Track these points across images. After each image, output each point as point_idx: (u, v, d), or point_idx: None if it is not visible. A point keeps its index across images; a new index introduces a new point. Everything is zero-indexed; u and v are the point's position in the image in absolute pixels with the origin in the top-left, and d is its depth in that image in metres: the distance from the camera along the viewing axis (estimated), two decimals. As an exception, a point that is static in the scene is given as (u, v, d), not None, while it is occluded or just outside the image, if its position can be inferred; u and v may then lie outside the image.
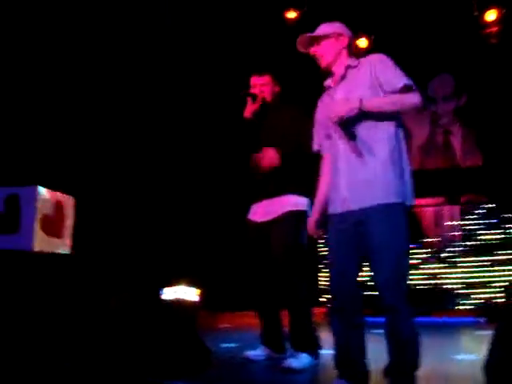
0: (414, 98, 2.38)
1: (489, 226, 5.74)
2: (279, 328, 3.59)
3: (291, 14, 7.74)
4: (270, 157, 3.40)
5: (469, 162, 8.15)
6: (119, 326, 3.07)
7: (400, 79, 2.39)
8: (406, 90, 2.38)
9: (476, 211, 5.81)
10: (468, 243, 5.71)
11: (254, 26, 7.36)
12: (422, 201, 6.51)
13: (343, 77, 2.55)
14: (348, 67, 2.54)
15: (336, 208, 2.49)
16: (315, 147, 2.74)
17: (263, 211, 3.53)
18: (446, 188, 7.33)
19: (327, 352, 3.64)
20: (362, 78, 2.47)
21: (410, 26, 7.35)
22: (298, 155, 3.40)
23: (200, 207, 7.37)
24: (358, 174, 2.41)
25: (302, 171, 3.45)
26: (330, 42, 2.56)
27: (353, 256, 2.44)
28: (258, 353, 3.55)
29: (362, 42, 7.76)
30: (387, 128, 2.43)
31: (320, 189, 2.70)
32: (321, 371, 3.22)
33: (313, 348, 3.31)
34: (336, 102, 2.47)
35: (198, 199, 7.40)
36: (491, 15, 7.52)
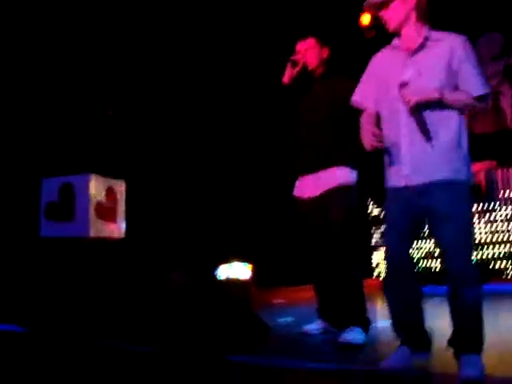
0: (485, 105, 2.43)
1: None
2: (336, 301, 3.51)
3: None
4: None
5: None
6: (180, 305, 3.13)
7: (481, 88, 2.34)
8: (482, 98, 2.35)
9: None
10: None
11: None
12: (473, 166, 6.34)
13: (419, 48, 2.43)
14: (426, 39, 2.43)
15: (395, 182, 2.46)
16: (357, 97, 2.66)
17: (312, 186, 3.39)
18: (496, 152, 7.11)
19: (381, 325, 3.65)
20: (439, 61, 2.37)
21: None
22: (344, 126, 3.25)
23: (249, 184, 7.38)
24: (423, 151, 2.37)
25: (348, 143, 3.26)
26: (396, 3, 2.47)
27: (410, 227, 2.44)
28: (314, 327, 3.54)
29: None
30: (452, 109, 2.37)
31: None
32: (377, 343, 3.20)
33: (366, 322, 3.24)
34: (415, 90, 2.35)
35: (247, 176, 7.41)
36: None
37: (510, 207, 5.94)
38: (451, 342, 2.35)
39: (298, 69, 3.40)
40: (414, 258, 2.58)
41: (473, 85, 2.34)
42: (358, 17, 7.43)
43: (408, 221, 2.44)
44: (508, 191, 6.03)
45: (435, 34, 2.44)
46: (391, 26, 2.47)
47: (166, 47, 6.97)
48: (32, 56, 6.01)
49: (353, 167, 3.37)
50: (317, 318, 3.59)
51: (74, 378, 2.58)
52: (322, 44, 3.45)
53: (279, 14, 7.12)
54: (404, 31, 2.46)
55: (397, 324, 2.51)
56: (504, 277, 5.62)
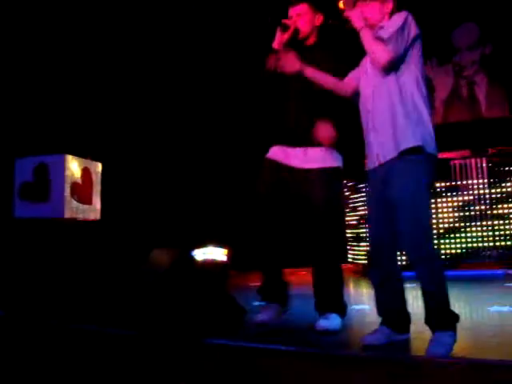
0: (383, 52, 2.44)
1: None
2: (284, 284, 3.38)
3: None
4: (326, 130, 3.03)
5: (495, 113, 7.99)
6: (158, 286, 3.13)
7: (385, 35, 2.45)
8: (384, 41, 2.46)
9: (504, 162, 5.71)
10: (497, 195, 5.65)
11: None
12: (447, 154, 6.44)
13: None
14: (380, 28, 2.56)
15: (369, 164, 2.58)
16: (348, 76, 2.85)
17: (301, 158, 3.17)
18: (471, 141, 7.22)
19: (358, 307, 3.71)
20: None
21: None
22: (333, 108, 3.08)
23: (226, 167, 7.36)
24: (381, 123, 2.51)
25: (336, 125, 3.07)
26: (375, 4, 2.57)
27: (387, 211, 2.49)
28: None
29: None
30: (399, 80, 2.48)
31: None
32: (355, 327, 3.24)
33: (343, 308, 3.18)
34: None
35: (223, 160, 7.40)
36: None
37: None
38: (426, 320, 2.43)
39: (288, 34, 3.21)
40: (395, 242, 2.60)
41: (385, 29, 2.50)
42: None
43: (381, 204, 2.52)
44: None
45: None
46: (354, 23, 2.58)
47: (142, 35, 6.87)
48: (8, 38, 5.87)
49: (339, 150, 3.22)
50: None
51: (51, 361, 2.57)
52: (315, 10, 3.27)
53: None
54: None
55: (378, 306, 2.63)
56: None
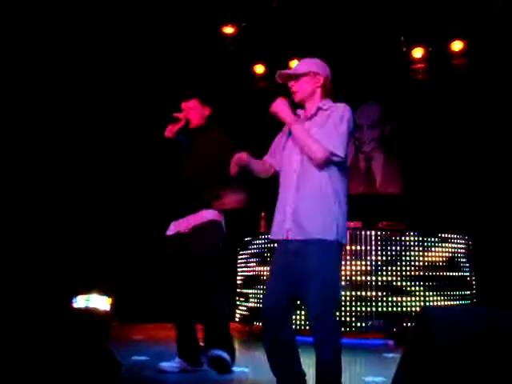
0: (319, 153, 2.53)
1: (404, 252, 5.93)
2: (195, 340, 3.64)
3: (228, 30, 7.75)
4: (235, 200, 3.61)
5: (389, 189, 8.46)
6: (25, 330, 2.90)
7: (330, 142, 2.53)
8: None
9: (393, 236, 5.98)
10: (382, 267, 5.87)
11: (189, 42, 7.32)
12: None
13: (312, 116, 2.67)
14: (319, 109, 2.66)
15: (276, 234, 2.66)
16: (267, 156, 2.86)
17: (183, 224, 3.71)
18: (364, 213, 7.54)
19: (241, 369, 3.65)
20: (324, 122, 2.60)
21: (343, 52, 7.57)
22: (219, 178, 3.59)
23: (117, 216, 7.20)
24: (299, 206, 2.56)
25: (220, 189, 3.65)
26: (306, 79, 2.66)
27: (290, 280, 2.55)
28: (172, 365, 3.53)
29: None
30: (329, 171, 2.57)
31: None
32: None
33: (231, 348, 3.42)
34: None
35: (116, 208, 7.24)
36: (418, 53, 7.94)
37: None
38: None
39: (180, 125, 3.78)
40: (290, 308, 2.64)
41: (327, 136, 2.55)
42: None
43: (285, 273, 2.57)
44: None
45: (327, 104, 2.68)
46: (296, 98, 2.72)
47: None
48: None
49: (221, 211, 3.69)
50: (176, 356, 3.61)
51: None
52: (203, 103, 3.87)
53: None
54: (308, 105, 2.72)
55: (272, 366, 2.60)
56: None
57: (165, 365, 3.55)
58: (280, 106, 2.65)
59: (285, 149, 2.74)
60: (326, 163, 2.53)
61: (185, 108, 3.86)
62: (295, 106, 2.78)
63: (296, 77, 2.69)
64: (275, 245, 2.75)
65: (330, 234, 2.51)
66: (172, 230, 3.79)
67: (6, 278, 5.19)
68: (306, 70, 2.69)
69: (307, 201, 2.55)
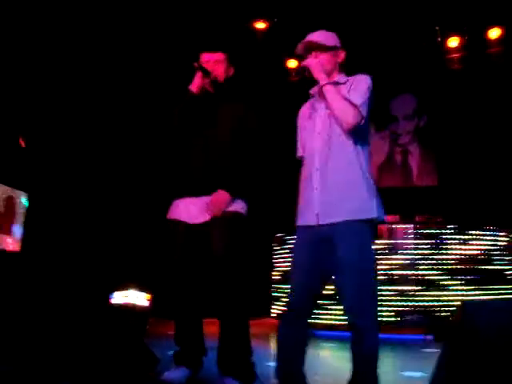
0: (353, 117, 2.37)
1: (441, 246, 5.85)
2: (201, 341, 3.19)
3: (260, 25, 7.77)
4: (221, 201, 2.98)
5: (425, 181, 8.33)
6: (67, 328, 2.97)
7: (358, 98, 2.41)
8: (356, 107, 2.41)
9: (429, 231, 5.90)
10: (420, 262, 5.80)
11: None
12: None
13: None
14: (336, 84, 2.52)
15: (304, 220, 2.48)
16: (299, 153, 2.66)
17: (198, 209, 3.05)
18: (400, 206, 7.45)
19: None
20: (345, 94, 2.46)
21: (377, 44, 7.47)
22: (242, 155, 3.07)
23: (158, 215, 7.26)
24: (330, 189, 2.39)
25: (244, 173, 3.08)
26: (327, 55, 2.55)
27: (317, 269, 2.41)
28: (177, 374, 3.03)
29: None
30: (356, 146, 2.44)
31: None
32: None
33: (246, 373, 2.87)
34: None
35: (156, 207, 7.30)
36: (453, 42, 7.77)
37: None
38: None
39: (208, 80, 3.10)
40: (316, 301, 2.52)
41: (354, 94, 2.43)
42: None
43: (313, 261, 2.40)
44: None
45: (343, 78, 2.58)
46: (317, 70, 2.50)
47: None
48: None
49: (244, 198, 3.10)
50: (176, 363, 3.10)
51: None
52: (230, 61, 3.24)
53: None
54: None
55: (278, 364, 2.43)
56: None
57: (170, 374, 3.01)
58: (314, 63, 2.48)
59: (305, 129, 2.60)
60: (354, 129, 2.38)
61: (209, 60, 3.14)
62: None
63: (324, 49, 2.55)
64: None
65: (368, 211, 2.34)
66: (181, 215, 3.09)
67: (49, 277, 5.31)
68: (333, 44, 2.58)
69: (335, 177, 2.38)
